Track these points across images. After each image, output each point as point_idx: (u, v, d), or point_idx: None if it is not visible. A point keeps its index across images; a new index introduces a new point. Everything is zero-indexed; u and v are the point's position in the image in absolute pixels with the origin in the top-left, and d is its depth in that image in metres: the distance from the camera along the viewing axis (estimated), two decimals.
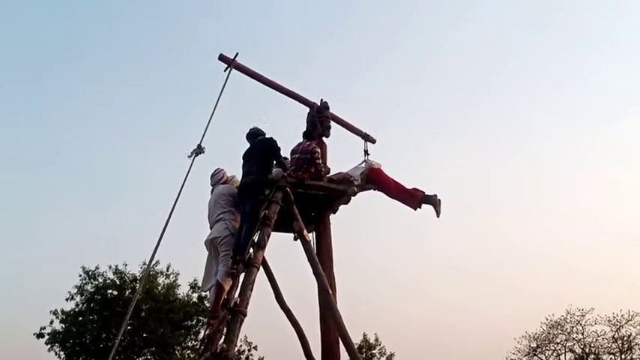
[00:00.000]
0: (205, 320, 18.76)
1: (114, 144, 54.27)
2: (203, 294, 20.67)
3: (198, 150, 7.84)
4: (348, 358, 7.66)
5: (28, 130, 53.62)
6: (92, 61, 55.20)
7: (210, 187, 8.27)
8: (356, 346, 25.73)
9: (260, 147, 8.07)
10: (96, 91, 54.70)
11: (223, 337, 6.59)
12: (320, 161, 8.41)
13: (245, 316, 6.54)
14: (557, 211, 50.27)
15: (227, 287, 7.27)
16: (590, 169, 54.15)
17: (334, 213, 8.61)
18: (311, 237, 8.04)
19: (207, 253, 7.74)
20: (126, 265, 23.48)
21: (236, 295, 6.90)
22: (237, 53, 8.96)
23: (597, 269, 43.62)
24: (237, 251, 7.27)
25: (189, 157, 7.81)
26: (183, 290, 24.08)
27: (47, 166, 52.41)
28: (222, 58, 8.94)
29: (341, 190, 8.31)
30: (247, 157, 8.12)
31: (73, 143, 54.89)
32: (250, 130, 8.26)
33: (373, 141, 9.80)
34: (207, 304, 15.69)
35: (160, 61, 58.34)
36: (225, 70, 8.85)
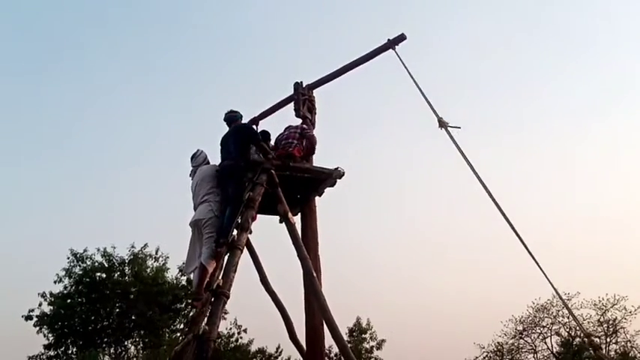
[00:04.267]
0: None
1: (104, 125, 53.98)
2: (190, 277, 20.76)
3: (441, 124, 7.63)
4: (333, 340, 7.64)
5: (21, 112, 53.19)
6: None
7: (191, 169, 8.20)
8: (347, 329, 25.69)
9: (236, 131, 8.09)
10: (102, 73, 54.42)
11: (206, 318, 6.57)
12: (310, 132, 8.56)
13: (228, 298, 6.52)
14: (544, 197, 50.54)
15: (211, 269, 7.22)
16: (578, 157, 54.35)
17: (320, 196, 8.58)
18: (296, 220, 8.01)
19: (191, 235, 7.68)
20: (114, 247, 23.58)
21: (219, 277, 6.91)
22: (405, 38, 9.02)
23: (583, 253, 43.97)
24: (220, 233, 7.23)
25: (440, 128, 7.62)
26: (172, 273, 24.14)
27: (35, 148, 52.11)
28: (402, 38, 8.94)
29: (327, 172, 8.28)
30: (224, 142, 8.11)
31: (64, 124, 54.53)
32: (226, 114, 8.25)
33: None
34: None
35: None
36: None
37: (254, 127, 9.30)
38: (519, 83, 56.97)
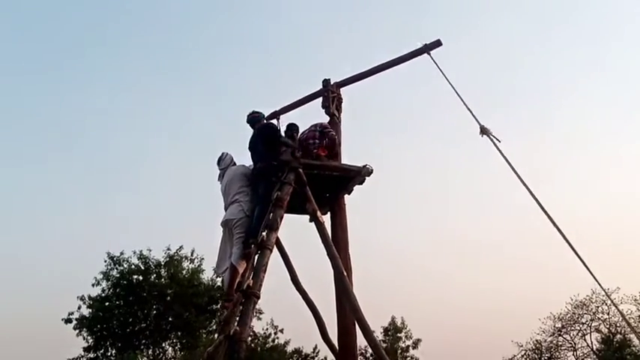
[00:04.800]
0: None
1: (135, 128, 54.77)
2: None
3: (483, 131, 7.66)
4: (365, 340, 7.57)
5: (49, 112, 54.24)
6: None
7: (219, 172, 8.23)
8: (382, 328, 25.51)
9: (260, 132, 8.14)
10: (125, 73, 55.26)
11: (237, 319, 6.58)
12: (331, 131, 8.48)
13: (258, 298, 6.52)
14: (579, 192, 49.60)
15: (241, 270, 7.21)
16: (614, 150, 53.19)
17: (349, 194, 8.49)
18: (325, 218, 7.97)
19: (222, 235, 7.70)
20: (150, 250, 23.85)
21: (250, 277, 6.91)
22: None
23: (622, 248, 43.03)
24: (250, 234, 7.23)
25: (482, 135, 7.62)
26: (207, 274, 24.32)
27: (69, 151, 53.12)
28: (437, 44, 8.89)
29: (355, 170, 8.22)
30: (252, 145, 8.16)
31: (94, 128, 55.48)
32: (248, 116, 8.30)
33: None
34: None
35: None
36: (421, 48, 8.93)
37: (275, 122, 9.31)
38: (574, 78, 55.77)
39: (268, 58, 59.98)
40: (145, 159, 54.53)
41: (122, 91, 55.71)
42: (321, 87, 9.44)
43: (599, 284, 6.47)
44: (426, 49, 8.83)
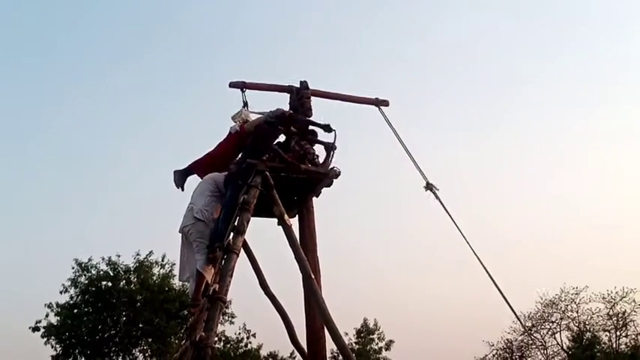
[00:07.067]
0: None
1: (103, 131, 53.96)
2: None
3: (428, 187, 7.84)
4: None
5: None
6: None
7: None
8: (355, 330, 25.50)
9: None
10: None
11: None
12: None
13: (225, 303, 6.47)
14: (547, 191, 50.25)
15: (208, 275, 7.13)
16: (579, 148, 53.92)
17: (317, 196, 8.47)
18: (292, 221, 7.92)
19: (181, 242, 7.60)
20: (119, 256, 23.51)
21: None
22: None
23: (590, 247, 43.80)
24: (215, 237, 7.14)
25: (426, 190, 7.96)
26: (178, 280, 24.00)
27: (34, 155, 52.18)
28: (385, 103, 9.20)
29: (322, 173, 8.18)
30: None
31: (61, 129, 54.59)
32: None
33: None
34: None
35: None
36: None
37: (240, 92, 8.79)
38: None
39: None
40: (114, 161, 53.65)
41: (93, 92, 54.79)
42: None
43: (513, 310, 6.90)
44: (377, 102, 9.14)
